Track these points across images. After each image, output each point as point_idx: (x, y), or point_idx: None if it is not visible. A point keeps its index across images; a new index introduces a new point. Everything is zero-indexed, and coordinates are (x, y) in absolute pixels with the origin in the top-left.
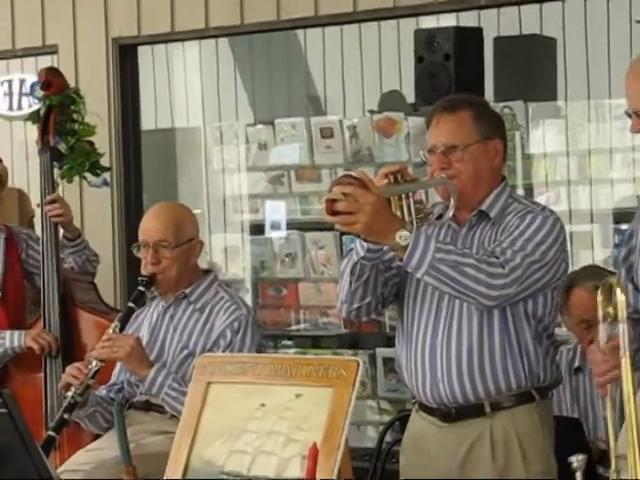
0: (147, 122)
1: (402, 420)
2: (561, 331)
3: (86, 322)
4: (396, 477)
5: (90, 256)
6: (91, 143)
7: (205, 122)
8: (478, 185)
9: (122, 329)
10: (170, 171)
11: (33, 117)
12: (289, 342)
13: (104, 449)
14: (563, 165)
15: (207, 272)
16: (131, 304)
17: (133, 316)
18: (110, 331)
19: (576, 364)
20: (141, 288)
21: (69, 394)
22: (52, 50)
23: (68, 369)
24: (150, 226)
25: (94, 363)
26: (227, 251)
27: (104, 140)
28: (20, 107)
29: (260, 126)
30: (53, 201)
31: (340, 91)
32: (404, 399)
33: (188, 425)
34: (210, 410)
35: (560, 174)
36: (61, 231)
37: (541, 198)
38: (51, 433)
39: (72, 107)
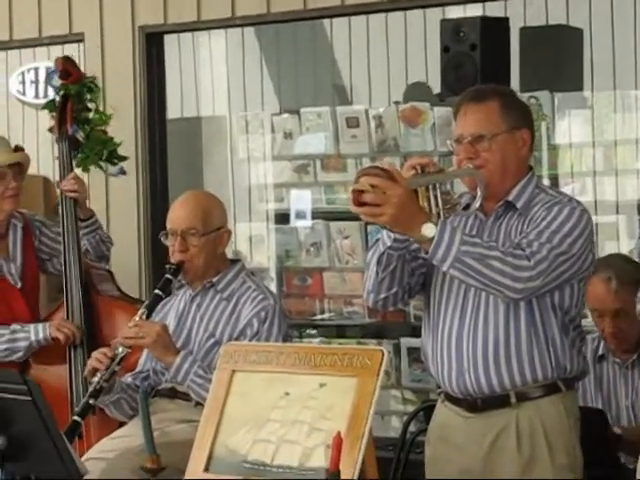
0: (173, 111)
1: (426, 410)
2: (586, 322)
3: (108, 309)
4: (420, 467)
5: (104, 237)
6: (105, 132)
7: (231, 111)
8: (505, 175)
9: (149, 316)
10: (196, 160)
11: (49, 106)
12: (314, 331)
13: (129, 436)
14: (589, 156)
15: (235, 261)
16: (158, 291)
17: (160, 305)
18: (137, 318)
19: (600, 352)
20: (168, 276)
21: (94, 379)
22: (78, 38)
23: (94, 354)
24: (178, 214)
25: (120, 349)
26: (252, 240)
27: (130, 128)
28: (47, 95)
29: (286, 115)
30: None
31: (366, 81)
32: (428, 389)
33: (212, 413)
34: (234, 398)
35: (586, 165)
36: None
37: (567, 189)
38: (76, 418)
39: (88, 96)
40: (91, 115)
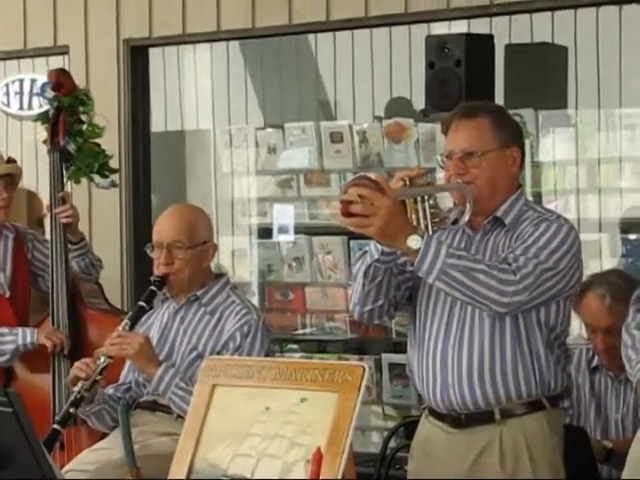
0: (157, 124)
1: (407, 426)
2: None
3: (94, 321)
4: None
5: (93, 260)
6: (98, 145)
7: (215, 125)
8: (494, 192)
9: (132, 327)
10: (179, 173)
11: (42, 118)
12: (295, 346)
13: (110, 449)
14: (572, 174)
15: (219, 276)
16: (142, 303)
17: (144, 317)
18: (120, 329)
19: (594, 363)
20: (153, 288)
21: (76, 389)
22: (63, 50)
23: (77, 363)
24: (164, 227)
25: (102, 359)
26: (234, 254)
27: (114, 141)
28: (31, 107)
29: (270, 130)
30: (63, 201)
31: (350, 96)
32: (409, 405)
33: (192, 427)
34: (215, 413)
35: (569, 183)
36: None
37: (550, 206)
38: (55, 427)
39: (81, 108)
40: (84, 127)
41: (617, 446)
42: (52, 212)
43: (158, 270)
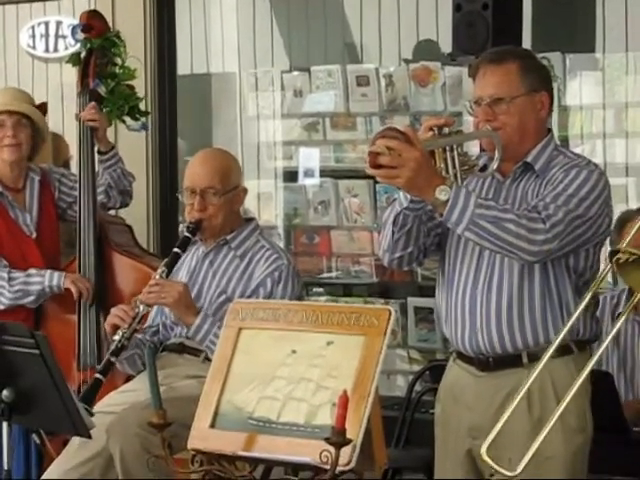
0: (183, 67)
1: (432, 370)
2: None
3: (121, 265)
4: (425, 426)
5: (125, 170)
6: (131, 87)
7: (241, 68)
8: (524, 137)
9: (168, 274)
10: (205, 117)
11: (74, 59)
12: (320, 290)
13: (136, 391)
14: (599, 118)
15: (249, 220)
16: (177, 249)
17: None
18: (157, 276)
19: (620, 309)
20: (187, 234)
21: (116, 338)
22: None
23: (114, 311)
24: (198, 172)
25: (141, 307)
26: (260, 198)
27: (140, 84)
28: (56, 49)
29: (296, 73)
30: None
31: (377, 39)
32: (434, 349)
33: (218, 370)
34: (241, 356)
35: (596, 127)
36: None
37: (576, 150)
38: (98, 376)
39: (113, 50)
40: (117, 69)
41: None
42: (81, 133)
43: (191, 216)
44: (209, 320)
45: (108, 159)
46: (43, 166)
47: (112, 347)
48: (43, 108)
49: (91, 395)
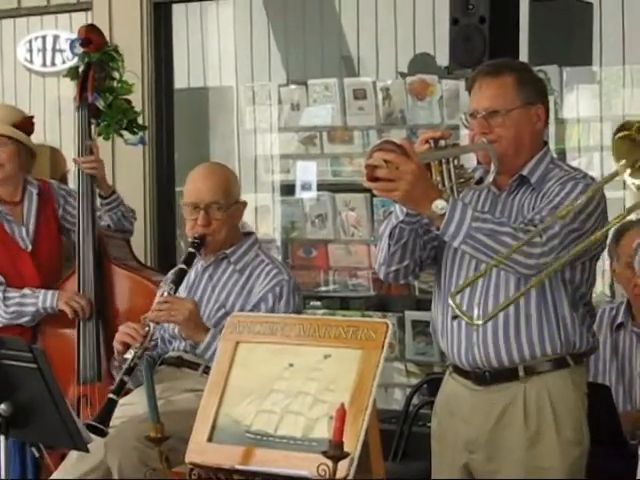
0: (180, 81)
1: (429, 383)
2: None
3: (120, 279)
4: (422, 440)
5: (125, 212)
6: (128, 101)
7: (238, 81)
8: (519, 150)
9: (176, 291)
10: (202, 130)
11: (72, 73)
12: (318, 303)
13: (134, 404)
14: (596, 130)
15: (248, 234)
16: (183, 265)
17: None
18: (165, 294)
19: (619, 320)
20: (191, 249)
21: (128, 356)
22: (86, 7)
23: (124, 328)
24: (201, 187)
25: (152, 326)
26: (257, 211)
27: (137, 99)
28: (54, 63)
29: (293, 86)
30: (91, 151)
31: (374, 52)
32: (432, 362)
33: (216, 384)
34: (238, 369)
35: (593, 139)
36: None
37: (573, 163)
38: (112, 396)
39: (111, 64)
40: (115, 84)
41: None
42: (79, 176)
43: (194, 231)
44: (218, 337)
45: (109, 203)
46: (47, 180)
47: (125, 366)
48: (27, 123)
49: (106, 416)
